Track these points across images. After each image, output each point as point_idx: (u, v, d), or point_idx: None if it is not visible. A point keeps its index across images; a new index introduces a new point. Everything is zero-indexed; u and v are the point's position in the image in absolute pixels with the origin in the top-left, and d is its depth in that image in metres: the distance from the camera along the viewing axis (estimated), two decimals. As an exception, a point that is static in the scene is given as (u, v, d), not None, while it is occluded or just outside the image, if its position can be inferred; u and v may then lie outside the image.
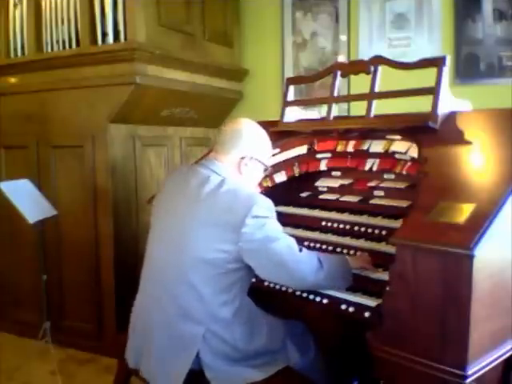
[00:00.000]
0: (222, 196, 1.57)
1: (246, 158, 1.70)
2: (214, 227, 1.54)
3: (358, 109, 2.14)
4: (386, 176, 2.04)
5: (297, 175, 2.26)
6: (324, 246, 1.97)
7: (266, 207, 1.57)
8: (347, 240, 1.92)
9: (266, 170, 1.82)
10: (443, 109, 1.75)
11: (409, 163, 1.85)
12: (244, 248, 1.52)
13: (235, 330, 1.59)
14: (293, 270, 1.58)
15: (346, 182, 2.20)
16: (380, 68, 1.96)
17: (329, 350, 1.88)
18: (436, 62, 1.80)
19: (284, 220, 2.20)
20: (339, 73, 2.10)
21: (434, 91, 1.76)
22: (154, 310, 1.63)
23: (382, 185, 2.06)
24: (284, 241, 1.57)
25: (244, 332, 1.61)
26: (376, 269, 1.74)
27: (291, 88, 2.32)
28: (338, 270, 1.68)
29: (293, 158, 2.27)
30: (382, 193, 2.08)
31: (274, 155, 2.27)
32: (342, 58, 3.37)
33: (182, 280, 1.56)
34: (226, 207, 1.54)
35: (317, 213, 2.16)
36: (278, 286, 1.89)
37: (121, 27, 2.85)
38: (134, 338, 1.72)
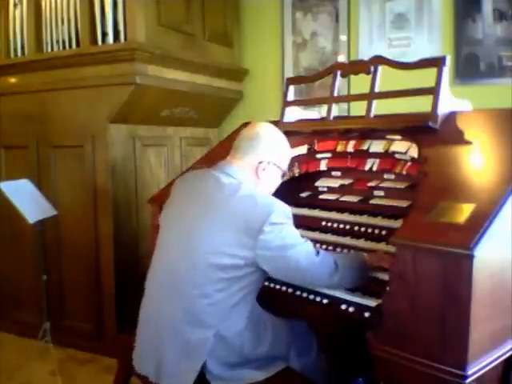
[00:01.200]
0: (240, 201, 1.55)
1: (263, 162, 1.68)
2: (230, 232, 1.52)
3: (358, 109, 2.14)
4: (386, 176, 2.04)
5: (297, 175, 2.26)
6: (324, 246, 1.97)
7: (284, 213, 1.55)
8: (347, 240, 1.92)
9: (283, 175, 1.80)
10: (443, 109, 1.75)
11: (409, 163, 1.85)
12: (261, 254, 1.51)
13: (244, 336, 1.57)
14: (308, 275, 1.59)
15: (346, 181, 2.20)
16: (380, 68, 1.95)
17: (330, 350, 1.88)
18: (436, 62, 1.80)
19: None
20: (339, 73, 2.10)
21: (434, 91, 1.76)
22: (163, 315, 1.59)
23: (382, 185, 2.06)
24: (301, 247, 1.56)
25: (251, 338, 1.59)
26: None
27: (291, 88, 2.32)
28: (353, 272, 1.67)
29: (293, 158, 2.26)
30: (382, 193, 2.08)
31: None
32: (341, 58, 3.37)
33: (194, 285, 1.53)
34: (243, 213, 1.52)
35: (317, 213, 2.16)
36: (277, 286, 1.89)
37: (121, 27, 2.86)
38: (142, 344, 1.68)
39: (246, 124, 2.08)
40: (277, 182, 1.80)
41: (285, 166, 1.78)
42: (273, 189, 1.81)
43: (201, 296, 1.53)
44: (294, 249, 1.54)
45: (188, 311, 1.54)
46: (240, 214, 1.52)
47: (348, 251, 1.89)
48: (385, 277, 1.64)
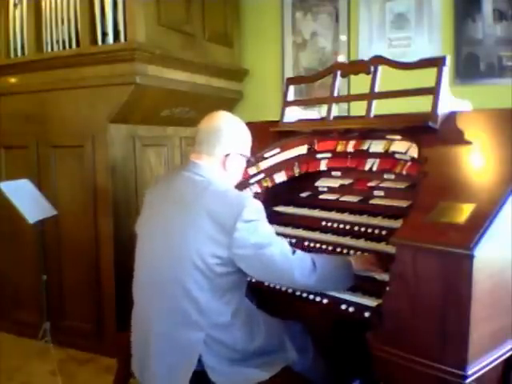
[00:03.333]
0: (211, 199, 1.54)
1: (230, 154, 1.67)
2: (205, 231, 1.51)
3: (358, 109, 2.14)
4: (386, 176, 2.04)
5: (297, 175, 2.25)
6: (324, 246, 1.97)
7: (256, 210, 1.54)
8: (347, 240, 1.92)
9: (248, 161, 1.79)
10: (443, 109, 1.75)
11: (409, 163, 1.85)
12: (237, 253, 1.51)
13: (235, 332, 1.58)
14: (284, 274, 1.58)
15: (346, 181, 2.20)
16: (380, 68, 1.95)
17: (329, 350, 1.88)
18: (436, 62, 1.80)
19: (284, 220, 2.21)
20: (339, 73, 2.10)
21: (434, 91, 1.76)
22: (152, 319, 1.59)
23: (382, 185, 2.06)
24: (276, 245, 1.56)
25: (243, 333, 1.60)
26: (382, 270, 1.71)
27: (291, 88, 2.32)
28: (333, 273, 1.66)
29: (293, 157, 2.26)
30: (382, 193, 2.08)
31: (273, 155, 2.28)
32: (341, 58, 3.37)
33: (178, 287, 1.53)
34: (215, 210, 1.51)
35: (317, 213, 2.16)
36: (277, 287, 1.89)
37: (121, 27, 2.86)
38: (136, 349, 1.69)
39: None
40: (242, 169, 1.79)
41: (248, 153, 1.77)
42: (240, 177, 1.81)
43: (184, 296, 1.53)
44: (269, 247, 1.53)
45: (177, 313, 1.54)
46: (212, 211, 1.51)
47: (348, 251, 1.89)
48: (385, 277, 1.64)
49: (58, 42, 3.09)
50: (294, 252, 1.60)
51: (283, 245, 1.59)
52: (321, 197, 2.29)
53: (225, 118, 1.72)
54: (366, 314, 1.57)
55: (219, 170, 1.67)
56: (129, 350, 1.74)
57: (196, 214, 1.53)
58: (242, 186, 2.18)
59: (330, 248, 1.95)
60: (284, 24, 3.63)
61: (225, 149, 1.67)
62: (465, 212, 1.33)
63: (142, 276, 1.69)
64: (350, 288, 1.71)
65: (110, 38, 2.88)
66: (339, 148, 2.07)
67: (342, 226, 2.02)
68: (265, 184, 2.28)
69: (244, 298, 1.69)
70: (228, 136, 1.68)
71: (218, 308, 1.56)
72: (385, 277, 1.67)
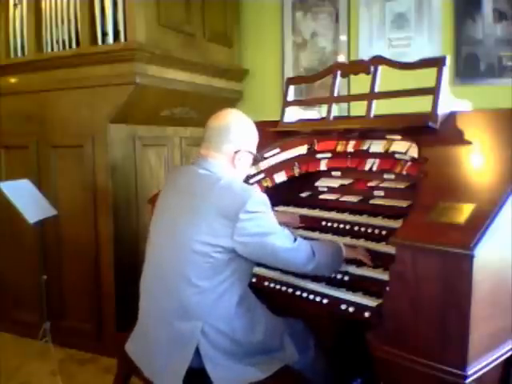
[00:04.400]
0: (218, 192, 1.58)
1: (239, 152, 1.70)
2: (208, 224, 1.54)
3: (358, 109, 2.14)
4: (385, 176, 2.04)
5: (297, 175, 2.26)
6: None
7: (261, 202, 1.58)
8: (347, 240, 1.92)
9: (255, 158, 1.82)
10: (443, 109, 1.75)
11: (409, 163, 1.85)
12: (238, 241, 1.54)
13: (235, 322, 1.60)
14: (285, 261, 1.65)
15: (346, 182, 2.20)
16: (380, 68, 1.96)
17: (329, 350, 1.88)
18: (436, 62, 1.80)
19: (284, 220, 2.20)
20: (339, 73, 2.10)
21: (433, 91, 1.76)
22: (153, 307, 1.65)
23: (382, 185, 2.07)
24: (278, 234, 1.60)
25: (243, 324, 1.62)
26: (371, 264, 1.79)
27: (291, 88, 2.32)
28: (329, 259, 1.73)
29: (293, 158, 2.27)
30: (382, 193, 2.08)
31: (273, 155, 2.29)
32: (341, 58, 3.37)
33: (179, 275, 1.57)
34: (221, 202, 1.55)
35: (317, 213, 2.17)
36: (278, 286, 1.89)
37: (121, 27, 2.85)
38: (137, 335, 1.73)
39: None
40: (249, 166, 1.83)
41: (255, 151, 1.80)
42: (246, 172, 1.84)
43: (187, 286, 1.56)
44: (270, 236, 1.57)
45: (176, 302, 1.57)
46: (217, 203, 1.55)
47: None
48: (385, 277, 1.64)
49: (57, 42, 3.09)
50: (295, 239, 1.64)
51: (285, 234, 1.63)
52: (321, 197, 2.29)
53: (233, 116, 1.75)
54: (366, 314, 1.57)
55: (227, 166, 1.70)
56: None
57: (202, 208, 1.56)
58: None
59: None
60: (284, 24, 3.63)
61: (233, 146, 1.70)
62: (465, 212, 1.33)
63: (147, 268, 1.73)
64: (350, 288, 1.72)
65: (110, 38, 2.88)
66: (339, 148, 2.07)
67: (342, 225, 2.02)
68: (265, 184, 2.28)
69: (248, 290, 1.71)
70: (236, 133, 1.71)
71: (218, 296, 1.57)
72: (384, 276, 1.68)
